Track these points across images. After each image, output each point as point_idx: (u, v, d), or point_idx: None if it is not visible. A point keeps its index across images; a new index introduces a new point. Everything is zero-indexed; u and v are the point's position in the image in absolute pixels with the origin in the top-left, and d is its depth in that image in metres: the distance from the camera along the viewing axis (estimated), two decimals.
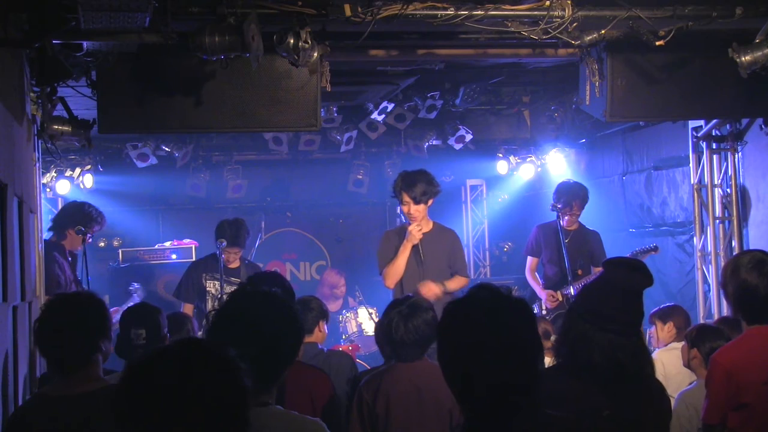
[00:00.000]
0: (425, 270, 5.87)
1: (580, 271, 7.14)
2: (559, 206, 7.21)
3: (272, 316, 2.45)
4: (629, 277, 2.88)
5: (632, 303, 2.87)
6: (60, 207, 9.03)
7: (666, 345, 5.35)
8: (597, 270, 7.20)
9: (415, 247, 5.88)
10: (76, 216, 6.70)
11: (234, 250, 6.87)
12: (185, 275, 7.09)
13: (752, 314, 3.55)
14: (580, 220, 7.43)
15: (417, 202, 5.83)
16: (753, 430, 3.46)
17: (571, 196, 7.27)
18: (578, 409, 2.72)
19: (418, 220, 5.88)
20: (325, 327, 4.93)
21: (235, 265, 6.99)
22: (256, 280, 4.07)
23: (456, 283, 5.94)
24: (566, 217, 7.24)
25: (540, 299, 7.30)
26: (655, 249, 6.98)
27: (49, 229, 6.75)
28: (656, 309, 5.56)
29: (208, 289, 6.91)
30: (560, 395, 2.68)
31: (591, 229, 7.50)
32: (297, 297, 4.24)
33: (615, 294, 2.85)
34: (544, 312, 7.15)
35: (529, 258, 7.63)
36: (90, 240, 6.87)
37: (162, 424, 1.62)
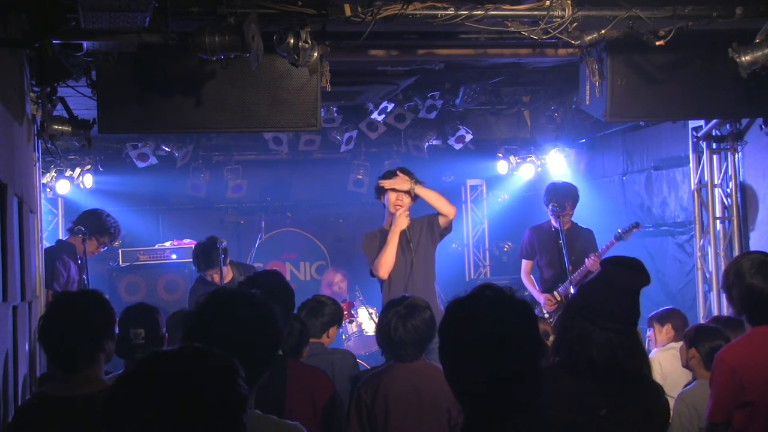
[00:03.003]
0: (414, 257, 5.94)
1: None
2: (555, 207, 7.18)
3: (248, 318, 2.42)
4: (627, 275, 2.88)
5: (630, 302, 2.88)
6: (61, 206, 9.10)
7: (664, 346, 5.37)
8: None
9: (403, 236, 5.92)
10: (88, 220, 6.74)
11: (214, 272, 6.79)
12: (190, 303, 7.10)
13: (758, 316, 3.58)
14: (574, 219, 7.40)
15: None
16: (758, 428, 3.47)
17: (564, 196, 7.24)
18: (576, 407, 2.72)
19: (405, 207, 5.94)
20: (335, 331, 4.94)
21: (228, 278, 6.92)
22: (255, 279, 4.06)
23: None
24: (559, 218, 7.20)
25: (539, 303, 7.26)
26: (637, 225, 6.97)
27: (68, 230, 6.83)
28: (654, 312, 5.57)
29: None
30: (558, 394, 2.69)
31: (584, 227, 7.47)
32: (299, 297, 4.25)
33: (613, 292, 2.86)
34: (546, 315, 7.12)
35: (523, 261, 7.56)
36: (102, 249, 6.90)
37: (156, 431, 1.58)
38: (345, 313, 7.16)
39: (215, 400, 1.62)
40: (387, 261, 5.88)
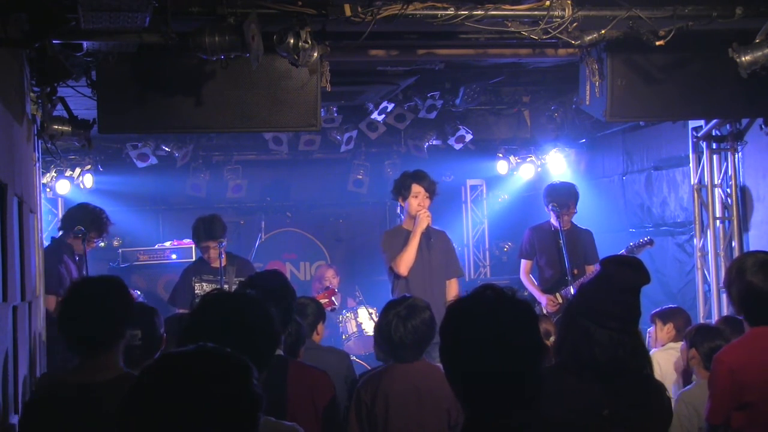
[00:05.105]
0: (431, 256, 6.17)
1: (576, 271, 7.08)
2: (555, 206, 7.17)
3: (244, 319, 2.41)
4: (627, 274, 2.89)
5: (630, 300, 2.88)
6: (61, 206, 9.08)
7: (663, 345, 5.37)
8: (590, 269, 7.15)
9: (423, 235, 6.16)
10: (81, 216, 6.67)
11: (210, 244, 6.71)
12: (178, 281, 7.06)
13: (757, 315, 3.56)
14: (573, 219, 7.40)
15: (427, 193, 6.19)
16: (757, 429, 3.46)
17: (567, 196, 7.24)
18: (578, 407, 2.72)
19: (426, 208, 6.19)
20: (323, 327, 4.98)
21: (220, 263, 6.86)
22: (255, 279, 4.06)
23: (456, 287, 6.35)
24: (561, 218, 7.19)
25: (540, 303, 7.25)
26: (651, 242, 6.94)
27: (59, 228, 6.75)
28: (658, 309, 5.56)
29: (196, 291, 6.83)
30: (560, 394, 2.69)
31: (583, 227, 7.46)
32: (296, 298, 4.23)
33: (613, 291, 2.86)
34: (546, 314, 7.11)
35: (523, 261, 7.53)
36: (95, 244, 6.83)
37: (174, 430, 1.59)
38: (326, 301, 7.18)
39: (232, 399, 1.63)
40: (408, 259, 6.10)
